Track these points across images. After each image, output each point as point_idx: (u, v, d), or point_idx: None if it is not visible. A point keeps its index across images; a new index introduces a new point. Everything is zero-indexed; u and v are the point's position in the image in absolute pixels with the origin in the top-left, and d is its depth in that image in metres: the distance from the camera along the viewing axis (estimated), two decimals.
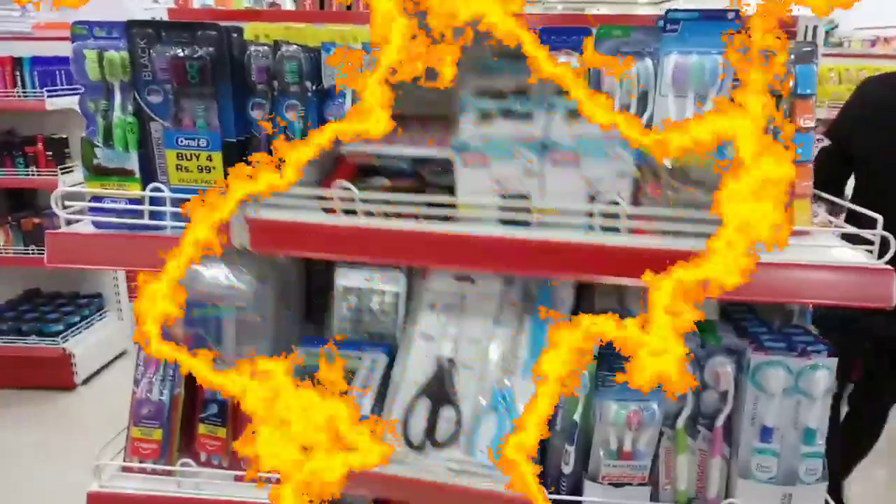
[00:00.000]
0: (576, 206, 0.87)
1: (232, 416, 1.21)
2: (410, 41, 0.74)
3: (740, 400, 1.09)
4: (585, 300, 1.29)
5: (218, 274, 1.19)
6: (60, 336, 3.22)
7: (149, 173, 1.14)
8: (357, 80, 0.76)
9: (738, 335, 1.15)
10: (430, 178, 0.97)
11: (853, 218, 1.11)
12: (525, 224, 0.92)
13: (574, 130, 0.83)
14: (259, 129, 1.13)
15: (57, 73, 3.22)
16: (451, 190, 0.94)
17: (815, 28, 1.27)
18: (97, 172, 1.13)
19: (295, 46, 1.12)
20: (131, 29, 1.09)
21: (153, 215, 1.13)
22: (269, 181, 0.82)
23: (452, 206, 0.93)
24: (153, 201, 1.13)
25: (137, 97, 1.11)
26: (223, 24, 1.10)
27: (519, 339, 1.13)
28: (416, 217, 0.95)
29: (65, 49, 1.31)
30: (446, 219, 0.95)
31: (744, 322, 1.19)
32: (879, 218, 0.95)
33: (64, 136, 3.26)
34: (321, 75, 1.12)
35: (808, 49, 1.02)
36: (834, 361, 1.03)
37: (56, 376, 3.14)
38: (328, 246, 0.98)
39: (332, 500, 1.61)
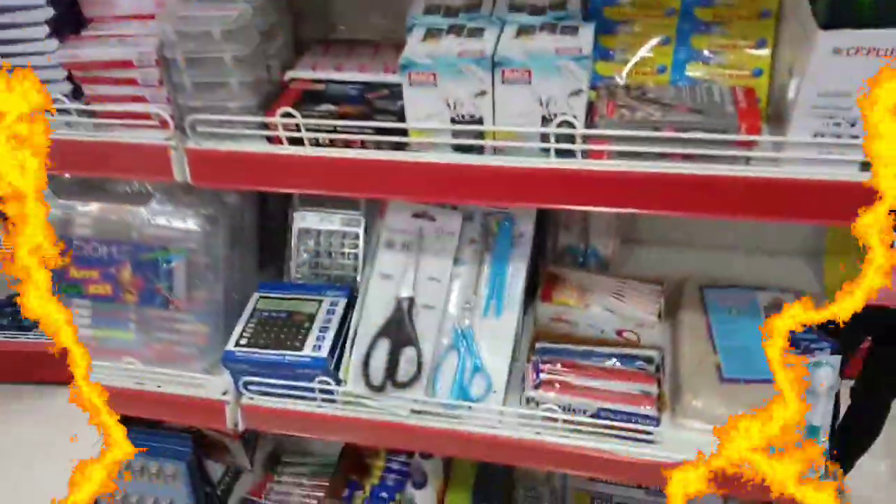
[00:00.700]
0: (529, 129, 0.82)
1: None
2: None
3: None
4: (550, 237, 1.26)
5: (165, 216, 1.14)
6: None
7: None
8: None
9: None
10: (381, 104, 0.92)
11: None
12: (479, 150, 0.87)
13: (525, 46, 0.78)
14: None
15: None
16: (402, 117, 0.89)
17: None
18: None
19: None
20: None
21: None
22: None
23: (403, 133, 0.89)
24: None
25: None
26: None
27: (479, 277, 1.10)
28: (364, 145, 0.90)
29: None
30: (398, 147, 0.90)
31: None
32: None
33: None
34: None
35: None
36: (838, 359, 1.00)
37: (59, 372, 3.05)
38: (272, 178, 0.93)
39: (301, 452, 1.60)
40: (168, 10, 0.93)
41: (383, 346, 1.07)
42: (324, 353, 1.09)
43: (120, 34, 0.96)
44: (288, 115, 0.91)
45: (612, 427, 0.98)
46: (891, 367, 1.40)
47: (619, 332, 1.08)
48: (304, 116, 0.91)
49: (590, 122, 0.83)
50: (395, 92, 0.89)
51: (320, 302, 1.17)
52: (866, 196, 0.74)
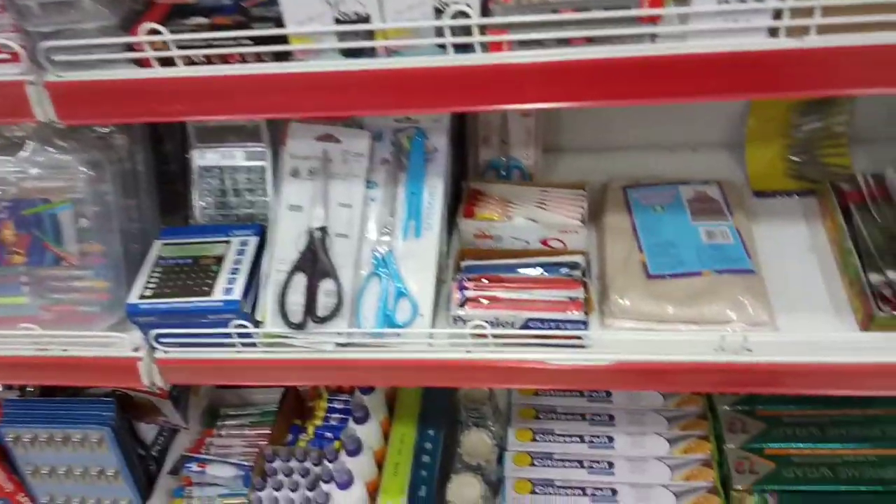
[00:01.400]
0: (420, 23, 0.75)
1: None
2: None
3: None
4: (470, 153, 1.20)
5: (42, 165, 1.02)
6: None
7: None
8: None
9: None
10: (258, 12, 0.82)
11: None
12: (371, 53, 0.79)
13: None
14: None
15: None
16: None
17: None
18: None
19: None
20: None
21: None
22: None
23: (284, 40, 0.80)
24: None
25: None
26: None
27: (395, 198, 1.03)
28: (244, 60, 0.81)
29: None
30: (281, 58, 0.81)
31: None
32: None
33: None
34: None
35: None
36: None
37: None
38: (144, 106, 0.83)
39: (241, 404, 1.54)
40: None
41: (300, 282, 1.01)
42: (235, 295, 1.02)
43: None
44: (154, 32, 0.80)
45: (542, 336, 0.96)
46: None
47: (545, 242, 1.05)
48: (172, 32, 0.80)
49: (486, 10, 0.75)
50: None
51: (229, 243, 1.09)
52: (777, 65, 0.71)
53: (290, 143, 1.03)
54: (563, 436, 1.28)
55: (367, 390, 1.34)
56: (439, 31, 0.76)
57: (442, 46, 0.77)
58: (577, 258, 1.01)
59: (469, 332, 0.98)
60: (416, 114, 1.02)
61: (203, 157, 1.14)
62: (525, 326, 0.96)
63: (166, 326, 1.04)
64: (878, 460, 1.15)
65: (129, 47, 0.83)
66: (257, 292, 1.05)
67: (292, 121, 1.03)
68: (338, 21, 0.77)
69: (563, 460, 1.25)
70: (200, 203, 1.15)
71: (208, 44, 0.81)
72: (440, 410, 1.39)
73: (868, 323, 0.87)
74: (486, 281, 1.00)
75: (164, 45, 0.81)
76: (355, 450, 1.24)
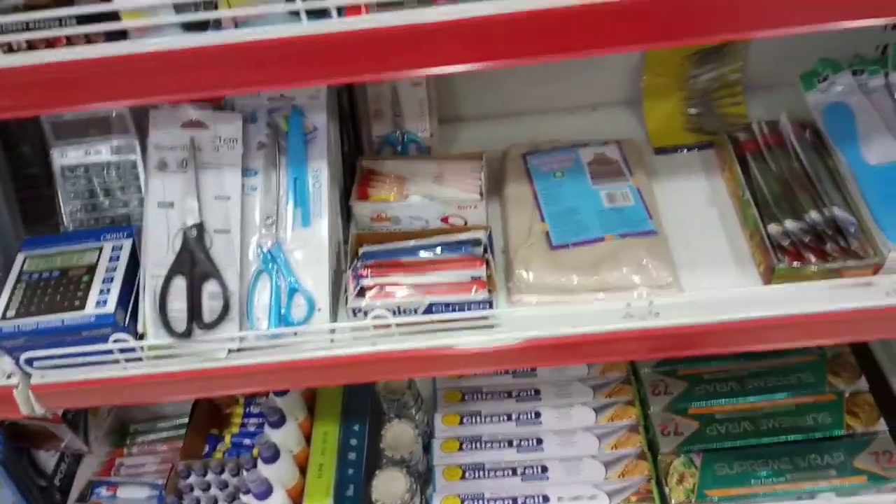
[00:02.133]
0: None
1: None
2: None
3: None
4: (363, 130, 1.13)
5: None
6: None
7: None
8: None
9: None
10: None
11: None
12: (217, 26, 0.70)
13: None
14: None
15: None
16: None
17: None
18: None
19: None
20: None
21: None
22: None
23: (115, 17, 0.70)
24: None
25: None
26: None
27: (277, 185, 0.95)
28: (70, 42, 0.71)
29: None
30: (116, 37, 0.71)
31: None
32: None
33: None
34: None
35: None
36: None
37: None
38: None
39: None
40: None
41: (180, 286, 0.92)
42: (110, 307, 0.92)
43: None
44: None
45: (448, 321, 0.90)
46: None
47: (445, 219, 0.99)
48: None
49: None
50: None
51: (100, 250, 0.98)
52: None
53: (153, 132, 0.93)
54: (491, 415, 1.25)
55: (281, 392, 1.27)
56: None
57: (296, 15, 0.69)
58: (479, 234, 0.95)
59: (370, 323, 0.91)
60: (271, 90, 0.93)
61: (65, 156, 1.03)
62: (429, 311, 0.90)
63: (38, 348, 0.94)
64: (795, 409, 1.16)
65: None
66: (135, 301, 0.95)
67: (151, 108, 0.93)
68: None
69: (491, 442, 1.22)
70: (68, 207, 1.04)
71: (26, 26, 0.71)
72: (363, 404, 1.32)
73: (769, 276, 0.85)
74: (384, 267, 0.94)
75: None
76: (271, 456, 1.17)
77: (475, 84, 1.18)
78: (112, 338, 0.92)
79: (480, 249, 0.94)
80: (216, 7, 0.70)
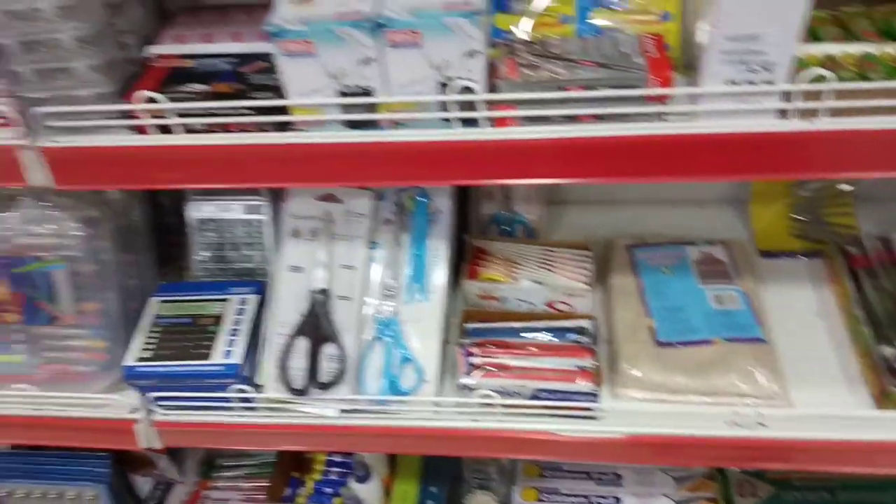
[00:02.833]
0: (423, 97, 0.73)
1: None
2: None
3: None
4: (472, 207, 1.19)
5: (36, 221, 1.00)
6: None
7: None
8: None
9: None
10: (258, 79, 0.81)
11: None
12: (374, 125, 0.78)
13: (409, 3, 0.68)
14: None
15: None
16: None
17: None
18: None
19: None
20: None
21: None
22: None
23: (285, 111, 0.78)
24: None
25: None
26: None
27: (398, 260, 1.01)
28: (244, 128, 0.80)
29: None
30: (283, 128, 0.80)
31: None
32: None
33: None
34: None
35: None
36: None
37: None
38: (142, 174, 0.82)
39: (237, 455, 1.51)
40: None
41: (302, 346, 0.98)
42: (235, 359, 0.99)
43: None
44: (151, 100, 0.79)
45: (551, 407, 0.93)
46: None
47: (550, 304, 1.03)
48: (170, 99, 0.79)
49: (493, 85, 0.74)
50: (273, 64, 0.78)
51: (227, 301, 1.06)
52: (784, 146, 0.69)
53: (291, 203, 1.02)
54: (570, 496, 1.25)
55: None
56: (444, 106, 0.75)
57: (448, 120, 0.76)
58: (585, 323, 0.99)
59: (477, 401, 0.95)
60: (421, 185, 1.00)
61: (199, 210, 1.12)
62: (534, 396, 0.94)
63: (164, 389, 1.02)
64: None
65: (127, 114, 0.81)
66: (257, 354, 1.03)
67: None
68: (342, 94, 0.76)
69: None
70: (198, 257, 1.13)
71: (208, 112, 0.80)
72: (444, 467, 1.35)
73: (883, 399, 0.85)
74: (492, 346, 0.98)
75: (160, 113, 0.80)
76: None
77: None
78: (233, 387, 1.00)
79: (587, 339, 0.97)
80: (376, 110, 0.77)
